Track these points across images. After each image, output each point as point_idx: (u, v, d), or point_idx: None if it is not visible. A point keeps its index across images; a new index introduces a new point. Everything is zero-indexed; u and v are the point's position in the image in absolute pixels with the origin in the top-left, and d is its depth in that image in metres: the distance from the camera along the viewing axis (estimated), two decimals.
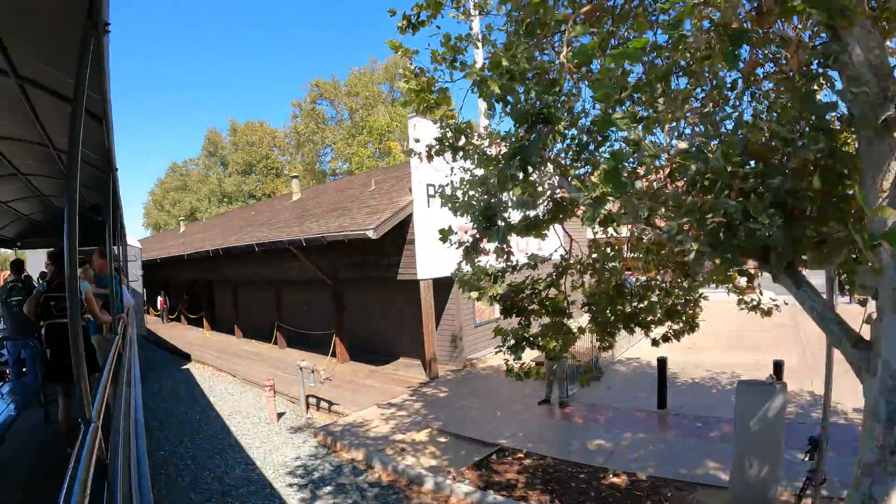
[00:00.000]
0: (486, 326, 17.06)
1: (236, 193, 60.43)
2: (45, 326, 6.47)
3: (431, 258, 14.48)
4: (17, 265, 9.71)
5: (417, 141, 7.42)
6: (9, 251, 15.89)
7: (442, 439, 10.34)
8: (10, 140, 6.04)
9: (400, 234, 14.25)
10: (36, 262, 16.77)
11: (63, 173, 7.24)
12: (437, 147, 6.71)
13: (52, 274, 6.86)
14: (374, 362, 17.06)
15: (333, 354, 17.26)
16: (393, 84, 52.50)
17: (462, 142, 6.45)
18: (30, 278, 10.34)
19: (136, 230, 75.39)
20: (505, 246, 6.48)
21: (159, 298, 33.97)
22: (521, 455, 9.27)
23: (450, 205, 6.60)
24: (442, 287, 15.32)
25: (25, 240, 14.55)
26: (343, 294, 17.41)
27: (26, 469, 6.01)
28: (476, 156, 6.35)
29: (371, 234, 12.91)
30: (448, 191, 6.79)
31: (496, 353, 6.76)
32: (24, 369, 9.16)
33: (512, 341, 6.60)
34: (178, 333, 27.54)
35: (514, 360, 6.72)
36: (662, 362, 10.95)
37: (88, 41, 2.68)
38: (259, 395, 14.69)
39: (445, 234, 6.38)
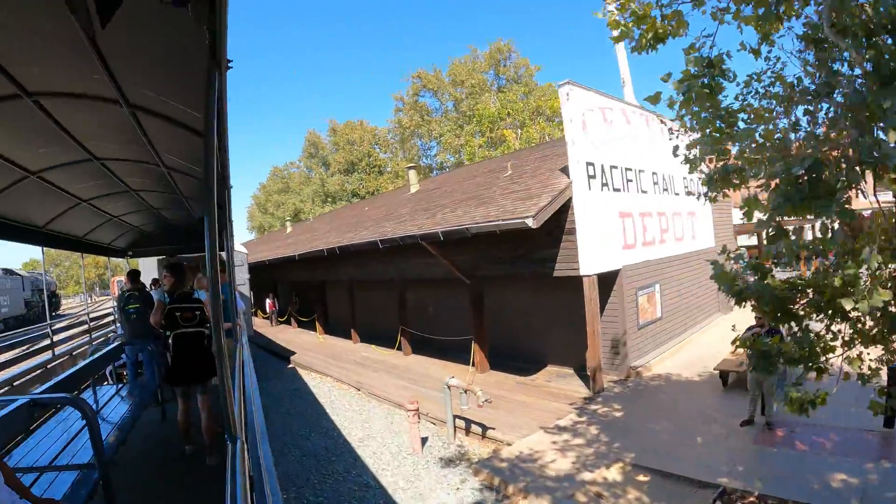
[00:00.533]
0: (648, 328, 14.78)
1: (340, 193, 60.17)
2: (172, 336, 6.67)
3: (595, 250, 12.30)
4: (134, 275, 10.29)
5: (668, 79, 5.33)
6: (121, 260, 17.23)
7: (642, 478, 8.06)
8: (123, 161, 6.76)
9: (556, 224, 11.98)
10: (145, 268, 18.18)
11: (171, 188, 8.18)
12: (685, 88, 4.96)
13: (173, 285, 6.98)
14: (518, 372, 14.83)
15: (472, 363, 15.10)
16: (498, 71, 50.32)
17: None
18: (144, 286, 10.78)
19: (240, 233, 77.22)
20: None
21: (268, 301, 33.08)
22: (753, 499, 7.05)
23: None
24: (599, 284, 12.93)
25: (136, 249, 15.54)
26: (482, 294, 15.21)
27: (150, 467, 6.47)
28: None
29: (531, 223, 10.73)
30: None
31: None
32: (139, 371, 9.77)
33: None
34: (288, 337, 26.37)
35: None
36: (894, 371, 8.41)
37: (213, 79, 2.87)
38: (390, 414, 12.77)
39: (752, 207, 4.50)
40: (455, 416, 11.04)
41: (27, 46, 3.64)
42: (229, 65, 3.10)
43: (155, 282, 14.56)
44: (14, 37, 3.44)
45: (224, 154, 5.04)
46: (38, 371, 12.85)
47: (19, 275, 44.97)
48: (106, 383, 10.01)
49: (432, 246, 13.91)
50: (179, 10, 2.52)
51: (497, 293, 16.06)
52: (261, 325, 31.99)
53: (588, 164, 12.57)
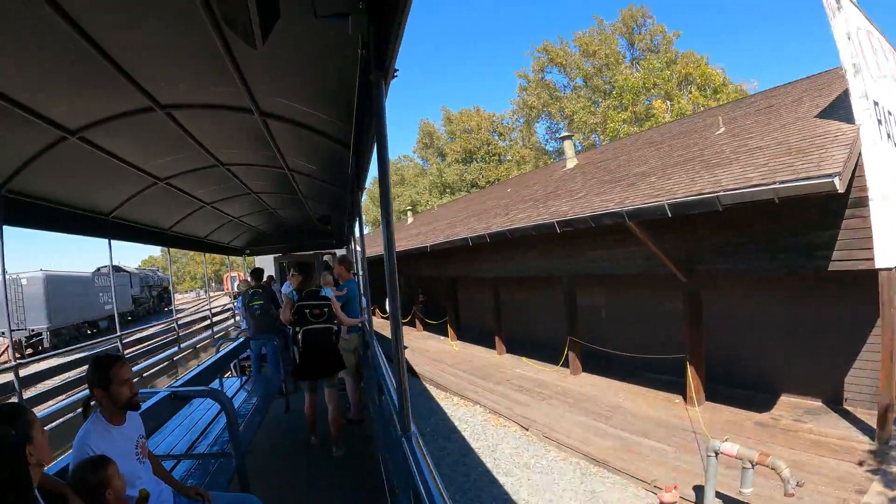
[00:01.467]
0: None
1: (458, 184, 57.13)
2: (301, 332, 6.73)
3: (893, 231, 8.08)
4: (258, 273, 10.93)
5: None
6: (239, 258, 19.01)
7: None
8: (247, 165, 7.52)
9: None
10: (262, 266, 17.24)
11: (292, 189, 8.96)
12: None
13: (301, 283, 7.16)
14: (744, 405, 10.66)
15: (686, 394, 11.08)
16: (631, 40, 45.29)
17: None
18: (268, 284, 11.65)
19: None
20: None
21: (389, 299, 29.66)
22: None
23: None
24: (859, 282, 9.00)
25: (253, 248, 17.01)
26: (700, 297, 11.13)
27: (277, 456, 6.89)
28: None
29: (837, 185, 6.82)
30: None
31: None
32: (262, 364, 10.22)
33: None
34: (413, 342, 22.90)
35: None
36: None
37: (379, 88, 2.88)
38: (585, 475, 9.08)
39: None
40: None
41: (160, 63, 4.01)
42: (395, 73, 2.95)
43: (270, 279, 15.21)
44: (148, 55, 3.81)
45: (374, 160, 4.66)
46: (165, 363, 13.44)
47: (126, 271, 44.78)
48: (229, 375, 10.44)
49: (642, 228, 9.96)
50: (335, 22, 2.84)
51: (714, 295, 11.82)
52: (381, 325, 29.02)
53: (874, 102, 8.45)
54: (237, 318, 19.35)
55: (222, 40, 3.44)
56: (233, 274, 39.52)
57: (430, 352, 20.38)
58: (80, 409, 5.11)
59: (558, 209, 12.69)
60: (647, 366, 12.63)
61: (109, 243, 9.14)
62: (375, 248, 27.37)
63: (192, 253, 31.14)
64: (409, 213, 38.70)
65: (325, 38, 3.40)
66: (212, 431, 6.14)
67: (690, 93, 36.62)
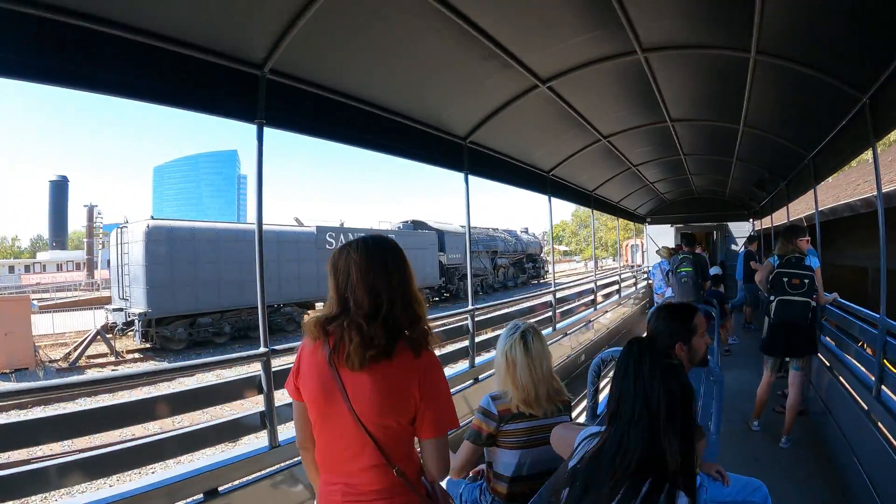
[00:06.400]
0: None
1: None
2: (775, 302, 6.12)
3: None
4: (689, 239, 10.69)
5: None
6: (642, 224, 18.45)
7: None
8: (693, 122, 6.92)
9: None
10: (659, 235, 18.63)
11: (729, 150, 8.20)
12: None
13: (782, 249, 6.40)
14: None
15: None
16: None
17: None
18: (700, 252, 10.66)
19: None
20: None
21: None
22: None
23: None
24: None
25: (654, 216, 16.87)
26: None
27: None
28: None
29: None
30: None
31: None
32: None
33: None
34: None
35: None
36: None
37: None
38: None
39: None
40: None
41: (651, 8, 3.73)
42: None
43: (677, 248, 13.90)
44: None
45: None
46: (582, 324, 12.15)
47: (433, 228, 33.19)
48: None
49: None
50: None
51: None
52: None
53: None
54: (645, 283, 17.87)
55: None
56: (634, 242, 32.79)
57: None
58: None
59: None
60: None
61: (549, 200, 8.94)
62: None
63: (604, 217, 28.72)
64: None
65: None
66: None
67: None
